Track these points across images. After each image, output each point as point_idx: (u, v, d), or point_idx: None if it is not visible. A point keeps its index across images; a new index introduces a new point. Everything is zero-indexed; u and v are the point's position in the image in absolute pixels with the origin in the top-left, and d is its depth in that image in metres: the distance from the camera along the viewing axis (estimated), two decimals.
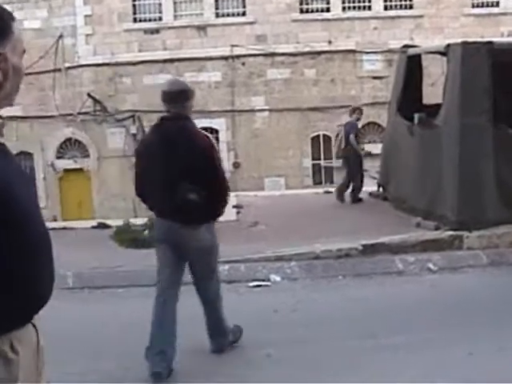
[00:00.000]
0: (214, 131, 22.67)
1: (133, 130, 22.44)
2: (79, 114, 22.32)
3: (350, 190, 14.26)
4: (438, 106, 11.41)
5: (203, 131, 5.93)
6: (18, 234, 2.19)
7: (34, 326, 2.39)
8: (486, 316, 7.43)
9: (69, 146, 22.99)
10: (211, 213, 5.84)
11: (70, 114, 22.34)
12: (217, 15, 22.80)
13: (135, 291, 8.60)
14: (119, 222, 12.18)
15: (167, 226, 5.78)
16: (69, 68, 22.57)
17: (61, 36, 22.51)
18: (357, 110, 15.00)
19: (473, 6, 23.00)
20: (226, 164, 22.34)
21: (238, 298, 8.32)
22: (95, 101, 22.47)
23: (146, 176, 5.81)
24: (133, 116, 22.51)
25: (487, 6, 23.09)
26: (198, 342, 6.26)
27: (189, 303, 5.96)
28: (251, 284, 8.69)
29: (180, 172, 5.59)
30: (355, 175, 14.16)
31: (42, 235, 2.35)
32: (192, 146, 5.61)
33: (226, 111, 22.59)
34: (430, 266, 9.57)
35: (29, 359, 2.34)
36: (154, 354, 5.69)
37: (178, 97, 5.69)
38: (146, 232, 11.15)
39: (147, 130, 20.97)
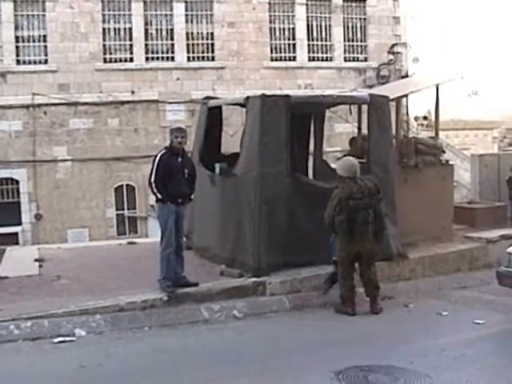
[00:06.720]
0: (15, 182, 22.01)
1: None
2: None
3: None
4: (237, 156, 11.70)
5: None
6: None
7: None
8: (289, 360, 7.71)
9: None
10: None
11: None
12: (18, 62, 22.20)
13: None
14: None
15: None
16: None
17: None
18: None
19: (272, 60, 24.07)
20: (28, 216, 21.73)
21: (42, 354, 8.09)
22: None
23: None
24: None
25: (285, 59, 24.25)
26: None
27: None
28: (56, 340, 8.45)
29: None
30: None
31: None
32: None
33: (27, 161, 21.94)
34: (235, 313, 9.76)
35: None
36: None
37: None
38: None
39: None
